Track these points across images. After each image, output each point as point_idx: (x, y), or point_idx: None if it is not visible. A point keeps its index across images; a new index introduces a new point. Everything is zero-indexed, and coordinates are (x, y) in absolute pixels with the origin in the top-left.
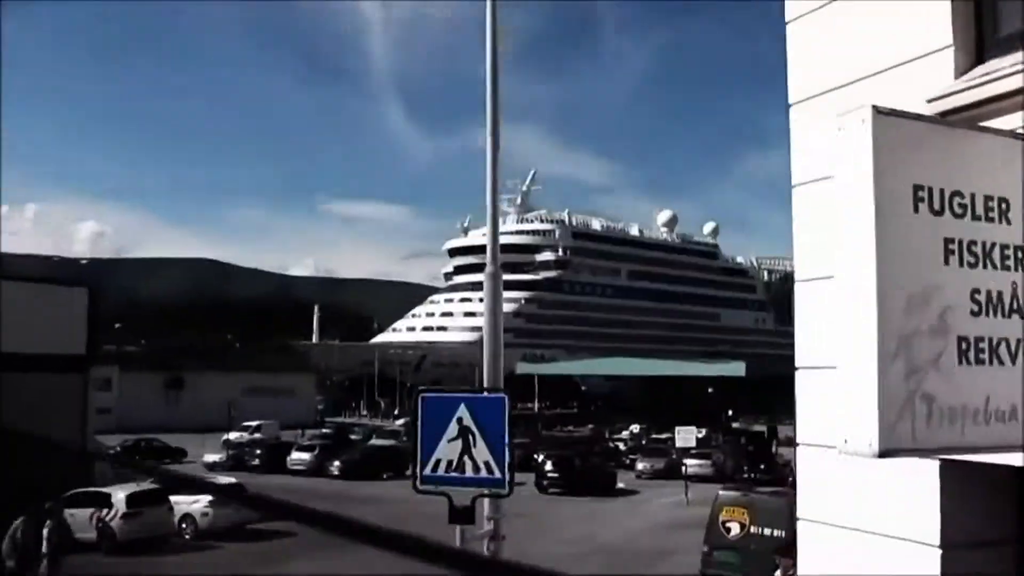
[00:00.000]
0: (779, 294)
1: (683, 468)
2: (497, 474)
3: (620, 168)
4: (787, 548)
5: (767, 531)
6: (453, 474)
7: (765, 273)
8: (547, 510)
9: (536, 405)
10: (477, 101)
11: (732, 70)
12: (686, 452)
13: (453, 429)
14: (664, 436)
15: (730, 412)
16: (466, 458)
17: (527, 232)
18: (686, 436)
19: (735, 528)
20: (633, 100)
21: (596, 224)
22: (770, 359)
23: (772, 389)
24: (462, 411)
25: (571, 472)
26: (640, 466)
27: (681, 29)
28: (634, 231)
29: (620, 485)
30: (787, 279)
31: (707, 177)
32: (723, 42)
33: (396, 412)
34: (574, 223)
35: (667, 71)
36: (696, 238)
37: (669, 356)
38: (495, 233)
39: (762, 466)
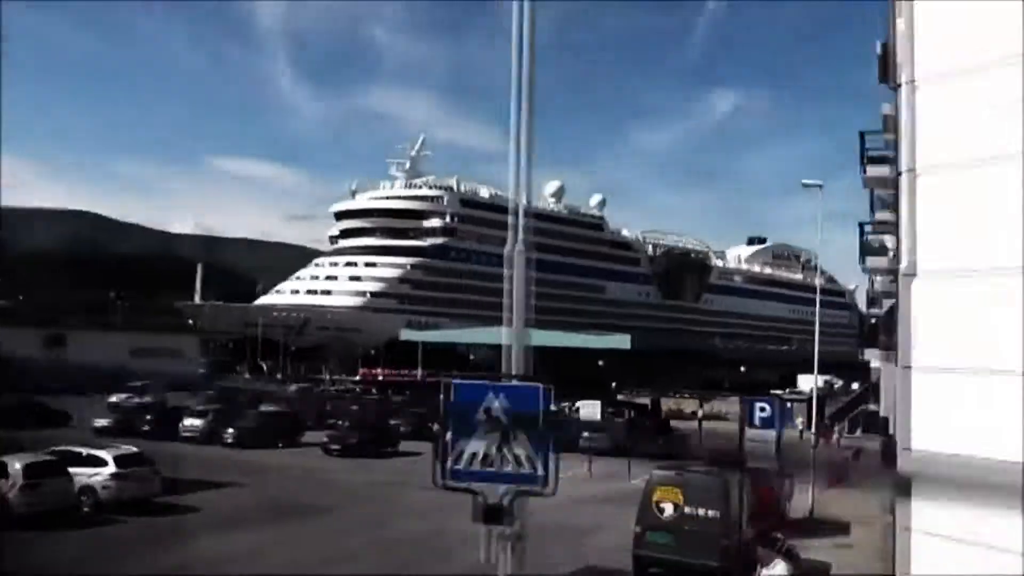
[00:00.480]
0: (663, 268)
1: (580, 441)
2: (538, 470)
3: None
4: (765, 537)
5: (701, 511)
6: (486, 469)
7: (650, 247)
8: None
9: (419, 372)
10: (368, 63)
11: (627, 44)
12: (587, 425)
13: (486, 420)
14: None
15: (614, 385)
16: (503, 451)
17: (415, 197)
18: (591, 410)
19: (668, 508)
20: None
21: (484, 192)
22: (653, 332)
23: (656, 362)
24: (495, 400)
25: None
26: None
27: None
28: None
29: None
30: (671, 253)
31: (596, 150)
32: (622, 15)
33: (280, 376)
34: (463, 190)
35: (564, 39)
36: (583, 210)
37: (554, 327)
38: (522, 212)
39: (660, 440)
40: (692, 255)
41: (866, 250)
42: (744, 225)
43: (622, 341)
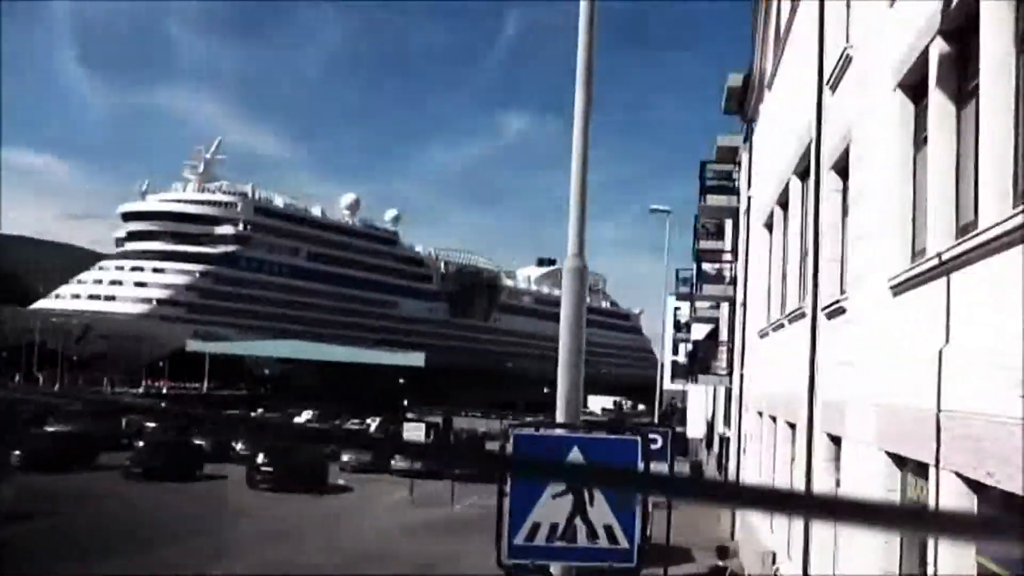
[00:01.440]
0: (454, 286)
1: (393, 463)
2: (623, 543)
3: (305, 145)
4: (724, 550)
5: None
6: (558, 543)
7: (442, 265)
8: (273, 509)
9: (204, 385)
10: (161, 60)
11: (427, 60)
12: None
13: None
14: (361, 424)
15: (405, 402)
16: (578, 521)
17: (207, 202)
18: (415, 432)
19: None
20: (326, 76)
21: (279, 201)
22: (445, 350)
23: (448, 380)
24: (575, 455)
25: (284, 464)
26: (345, 457)
27: (387, 9)
28: (316, 211)
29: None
30: (462, 272)
31: (392, 164)
32: (423, 30)
33: (57, 387)
34: (257, 197)
35: (363, 49)
36: (377, 224)
37: (345, 341)
38: (581, 226)
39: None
40: (483, 274)
41: (703, 278)
42: (534, 246)
43: (416, 359)
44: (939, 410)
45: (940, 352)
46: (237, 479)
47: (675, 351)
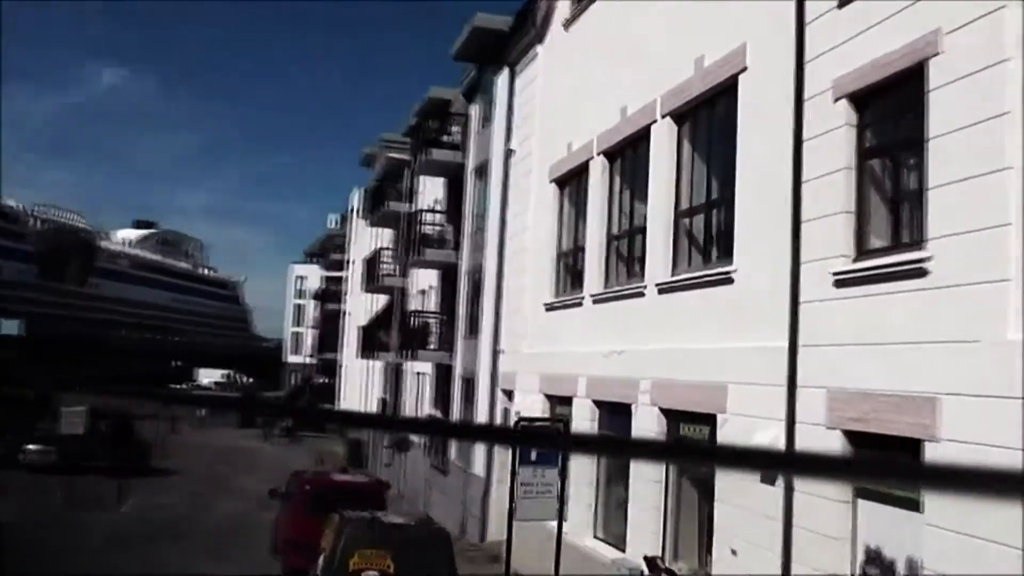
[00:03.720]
0: (47, 246)
1: (21, 456)
2: None
3: None
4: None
5: None
6: None
7: (37, 222)
8: None
9: None
10: None
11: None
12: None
13: None
14: None
15: None
16: None
17: None
18: (73, 419)
19: None
20: None
21: None
22: (42, 318)
23: (46, 351)
24: None
25: None
26: None
27: None
28: None
29: None
30: (57, 231)
31: None
32: None
33: None
34: None
35: None
36: None
37: None
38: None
39: (120, 451)
40: (79, 234)
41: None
42: (132, 208)
43: (8, 327)
44: None
45: None
46: None
47: (298, 321)
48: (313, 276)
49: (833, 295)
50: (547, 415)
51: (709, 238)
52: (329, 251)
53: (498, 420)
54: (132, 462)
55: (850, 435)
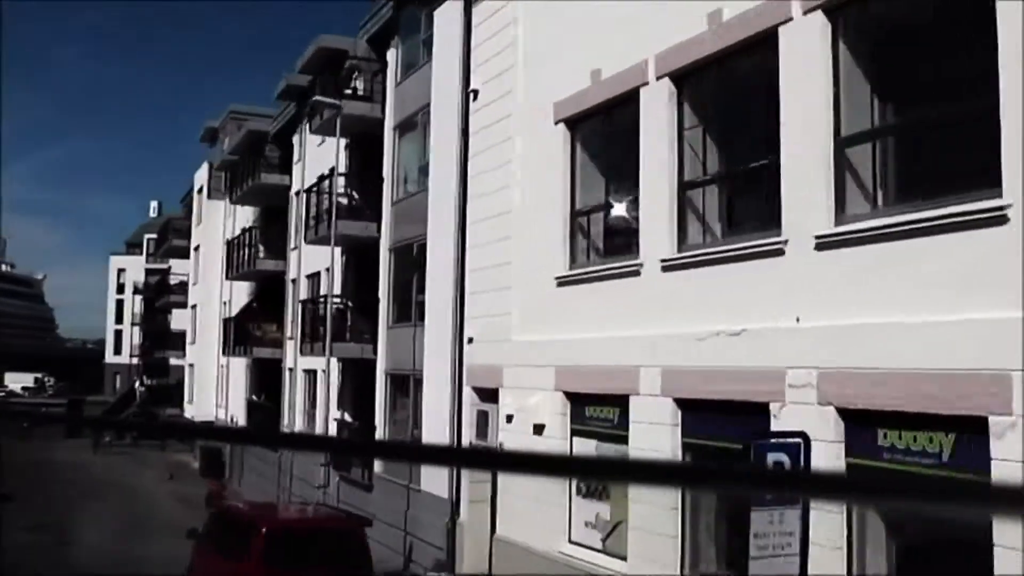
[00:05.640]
0: None
1: None
2: None
3: None
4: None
5: None
6: None
7: None
8: None
9: None
10: None
11: None
12: None
13: None
14: None
15: None
16: None
17: None
18: None
19: None
20: None
21: None
22: None
23: None
24: None
25: None
26: None
27: None
28: None
29: None
30: None
31: None
32: None
33: None
34: None
35: None
36: None
37: None
38: None
39: None
40: None
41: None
42: None
43: None
44: None
45: None
46: None
47: (119, 318)
48: (135, 268)
49: None
50: (565, 416)
51: (895, 171)
52: (165, 239)
53: (472, 426)
54: None
55: None
